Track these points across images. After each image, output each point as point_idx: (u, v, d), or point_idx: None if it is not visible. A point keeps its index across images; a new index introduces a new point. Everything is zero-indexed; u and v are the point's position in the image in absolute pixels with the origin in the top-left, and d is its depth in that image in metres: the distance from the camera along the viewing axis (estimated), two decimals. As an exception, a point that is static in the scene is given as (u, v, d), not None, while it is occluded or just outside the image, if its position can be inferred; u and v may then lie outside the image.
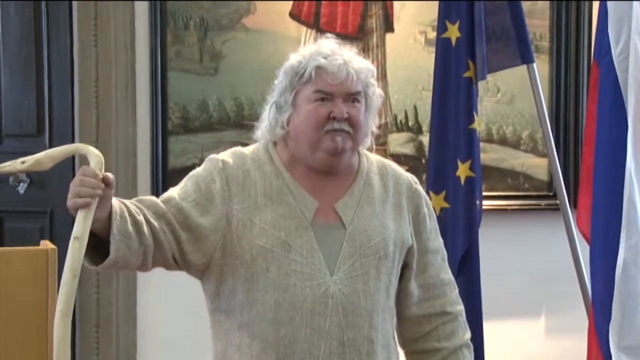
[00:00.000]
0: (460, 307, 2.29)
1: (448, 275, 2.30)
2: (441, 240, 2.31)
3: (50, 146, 3.67)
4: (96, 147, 3.77)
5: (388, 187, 2.21)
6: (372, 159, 2.26)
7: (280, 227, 2.07)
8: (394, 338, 2.23)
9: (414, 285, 2.23)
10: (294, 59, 2.16)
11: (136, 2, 3.86)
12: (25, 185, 3.98)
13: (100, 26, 3.85)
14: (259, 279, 2.06)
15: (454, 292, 2.29)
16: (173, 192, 2.14)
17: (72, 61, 3.95)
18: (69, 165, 3.75)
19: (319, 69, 2.10)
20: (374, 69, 2.19)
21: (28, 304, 2.22)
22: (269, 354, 2.05)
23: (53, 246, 2.31)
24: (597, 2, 2.84)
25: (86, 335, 3.92)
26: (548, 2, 4.20)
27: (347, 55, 2.13)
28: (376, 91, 2.19)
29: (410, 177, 2.28)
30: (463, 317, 2.29)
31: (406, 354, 2.30)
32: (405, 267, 2.22)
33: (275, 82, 2.19)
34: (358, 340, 2.07)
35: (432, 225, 2.27)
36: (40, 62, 4.02)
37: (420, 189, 2.28)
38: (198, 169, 2.19)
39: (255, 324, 2.06)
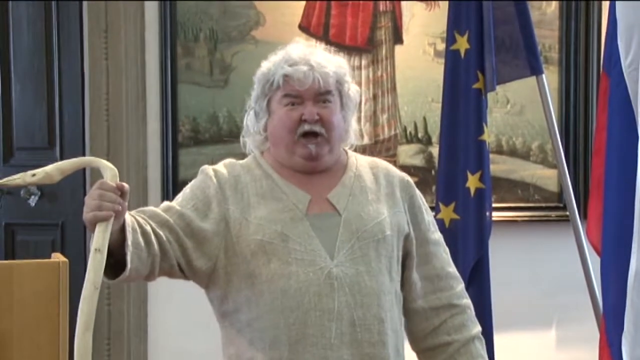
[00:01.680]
0: (468, 301, 2.29)
1: (452, 268, 2.30)
2: (440, 234, 2.32)
3: (61, 159, 3.67)
4: (107, 159, 3.84)
5: (379, 179, 2.25)
6: (362, 157, 2.30)
7: (275, 220, 2.10)
8: (402, 328, 2.23)
9: (416, 276, 2.23)
10: (264, 66, 2.21)
11: (146, 16, 3.88)
12: (37, 197, 4.00)
13: (110, 39, 3.87)
14: (262, 272, 2.08)
15: (459, 285, 2.29)
16: (170, 203, 2.17)
17: (82, 74, 3.97)
18: (80, 178, 3.77)
19: (285, 76, 2.15)
20: (346, 67, 2.22)
21: (40, 316, 2.22)
22: (282, 341, 2.06)
23: (64, 259, 2.31)
24: (607, 13, 2.83)
25: (98, 348, 3.88)
26: (557, 13, 4.20)
27: (315, 58, 2.16)
28: (352, 87, 2.22)
29: (402, 173, 2.32)
30: (472, 311, 2.29)
31: (418, 354, 2.29)
32: (406, 257, 2.23)
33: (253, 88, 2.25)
34: (368, 319, 2.08)
35: (429, 218, 2.30)
36: (51, 75, 4.04)
37: (412, 183, 2.31)
38: (192, 181, 2.23)
39: (265, 315, 2.07)
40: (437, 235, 2.31)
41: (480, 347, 2.27)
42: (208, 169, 2.21)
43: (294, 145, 2.15)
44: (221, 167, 2.23)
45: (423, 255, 2.25)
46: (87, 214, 1.88)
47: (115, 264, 1.98)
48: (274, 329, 2.06)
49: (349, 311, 2.06)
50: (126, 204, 1.93)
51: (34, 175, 1.92)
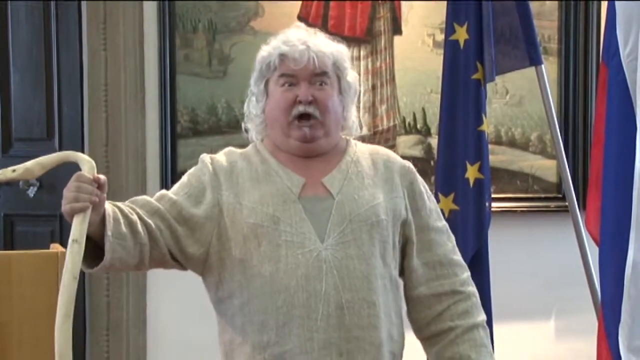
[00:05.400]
0: (473, 289, 2.27)
1: (457, 256, 2.28)
2: (445, 223, 2.30)
3: (60, 150, 3.69)
4: (106, 151, 3.87)
5: (378, 165, 2.24)
6: (363, 145, 2.30)
7: (268, 203, 2.11)
8: (398, 315, 2.20)
9: (417, 262, 2.22)
10: (264, 49, 2.22)
11: (145, 7, 3.88)
12: (35, 188, 4.00)
13: (109, 30, 3.87)
14: (253, 255, 2.09)
15: (465, 273, 2.27)
16: (165, 191, 2.20)
17: (81, 65, 3.97)
18: (78, 170, 3.75)
19: (282, 56, 2.15)
20: (346, 52, 2.22)
21: (38, 306, 2.23)
22: (269, 325, 2.06)
23: (63, 249, 2.32)
24: (606, 3, 2.83)
25: (96, 338, 3.93)
26: (556, 4, 4.20)
27: (313, 41, 2.17)
28: (351, 74, 2.23)
29: (403, 160, 2.31)
30: (477, 298, 2.26)
31: (422, 342, 2.27)
32: (406, 243, 2.23)
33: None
34: (357, 302, 2.07)
35: (432, 205, 2.28)
36: (49, 66, 4.04)
37: (414, 169, 2.29)
38: (190, 169, 2.25)
39: (254, 299, 2.08)
40: (441, 224, 2.28)
41: (484, 335, 2.23)
42: (206, 157, 2.24)
43: (289, 127, 2.16)
44: (220, 155, 2.25)
45: (425, 242, 2.23)
46: (64, 206, 1.91)
47: (101, 254, 2.00)
48: (262, 313, 2.07)
49: (336, 294, 2.06)
50: (104, 195, 1.96)
51: (14, 171, 1.97)
